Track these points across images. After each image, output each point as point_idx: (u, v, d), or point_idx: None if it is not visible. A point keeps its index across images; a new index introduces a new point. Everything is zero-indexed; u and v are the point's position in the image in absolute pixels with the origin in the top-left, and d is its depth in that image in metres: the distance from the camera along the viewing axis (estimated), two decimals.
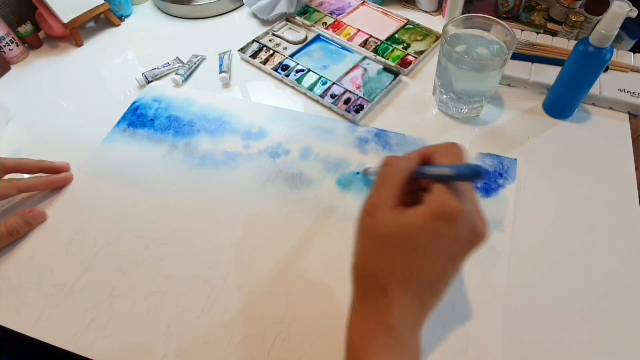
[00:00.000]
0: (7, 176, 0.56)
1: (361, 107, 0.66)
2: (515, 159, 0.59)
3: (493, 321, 0.46)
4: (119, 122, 0.67)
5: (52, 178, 0.58)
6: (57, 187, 0.59)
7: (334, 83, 0.70)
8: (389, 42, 0.77)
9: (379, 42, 0.77)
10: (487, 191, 0.57)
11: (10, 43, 0.75)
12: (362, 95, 0.68)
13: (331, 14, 0.83)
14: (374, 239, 0.33)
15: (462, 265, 0.32)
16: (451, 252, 0.31)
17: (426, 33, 0.79)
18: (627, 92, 0.65)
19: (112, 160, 0.62)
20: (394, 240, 0.31)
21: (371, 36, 0.78)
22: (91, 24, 0.86)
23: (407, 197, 0.35)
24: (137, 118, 0.67)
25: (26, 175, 0.59)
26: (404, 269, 0.31)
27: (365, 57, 0.75)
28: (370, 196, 0.34)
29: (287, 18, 0.82)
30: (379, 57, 0.74)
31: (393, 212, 0.32)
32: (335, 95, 0.68)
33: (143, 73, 0.73)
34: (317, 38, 0.79)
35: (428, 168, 0.35)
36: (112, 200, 0.58)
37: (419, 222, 0.30)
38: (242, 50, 0.76)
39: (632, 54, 0.70)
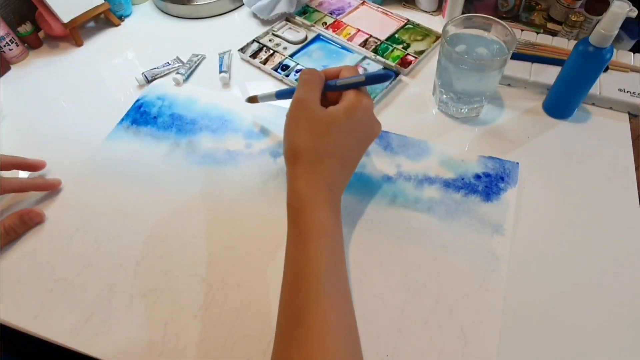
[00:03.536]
0: None
1: None
2: (518, 163, 0.59)
3: (491, 326, 0.46)
4: (122, 120, 0.67)
5: (39, 182, 0.58)
6: (43, 191, 0.58)
7: None
8: (389, 42, 0.77)
9: (379, 42, 0.77)
10: (488, 195, 0.56)
11: (10, 43, 0.75)
12: None
13: (331, 13, 0.83)
14: (313, 123, 0.43)
15: (365, 149, 0.49)
16: (362, 136, 0.46)
17: (426, 33, 0.79)
18: (627, 92, 0.65)
19: (114, 157, 0.62)
20: (327, 125, 0.43)
21: (371, 36, 0.78)
22: (91, 24, 0.86)
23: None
24: (140, 115, 0.68)
25: (6, 174, 0.58)
26: (335, 146, 0.43)
27: (365, 57, 0.75)
28: (298, 94, 0.45)
29: (287, 18, 0.82)
30: (379, 57, 0.74)
31: (318, 106, 0.44)
32: None
33: (143, 73, 0.73)
34: (317, 38, 0.79)
35: (341, 80, 0.47)
36: (114, 197, 0.58)
37: (342, 113, 0.44)
38: (242, 50, 0.77)
39: (632, 54, 0.70)
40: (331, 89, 0.47)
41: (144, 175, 0.60)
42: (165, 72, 0.74)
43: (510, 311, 0.47)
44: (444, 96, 0.64)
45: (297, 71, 0.73)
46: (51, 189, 0.59)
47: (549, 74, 0.67)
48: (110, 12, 0.83)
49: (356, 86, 0.46)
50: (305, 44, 0.78)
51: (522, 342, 0.46)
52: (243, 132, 0.65)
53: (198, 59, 0.76)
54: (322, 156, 0.43)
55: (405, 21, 0.81)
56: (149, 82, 0.73)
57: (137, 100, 0.70)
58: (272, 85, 0.73)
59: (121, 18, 0.86)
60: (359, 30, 0.79)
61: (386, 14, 0.83)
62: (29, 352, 0.59)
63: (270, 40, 0.79)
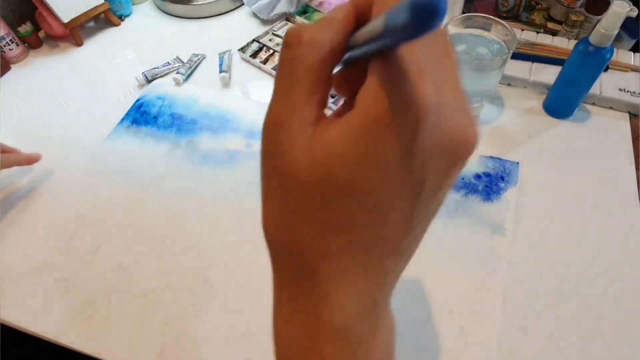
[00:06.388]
0: None
1: None
2: (518, 163, 0.59)
3: (491, 326, 0.46)
4: (122, 119, 0.67)
5: (20, 157, 0.59)
6: (25, 165, 0.60)
7: None
8: None
9: None
10: (489, 195, 0.56)
11: (10, 43, 0.75)
12: None
13: None
14: (285, 188, 0.18)
15: (442, 194, 0.19)
16: (412, 181, 0.17)
17: None
18: (627, 91, 0.65)
19: (114, 157, 0.63)
20: (314, 186, 0.17)
21: None
22: (91, 23, 0.86)
23: (349, 96, 0.21)
24: (140, 115, 0.68)
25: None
26: (338, 230, 0.18)
27: None
28: (270, 110, 0.19)
29: (287, 18, 0.82)
30: None
31: (306, 136, 0.17)
32: (335, 95, 0.68)
33: (143, 72, 0.73)
34: None
35: (356, 35, 0.18)
36: (114, 197, 0.58)
37: (345, 146, 0.16)
38: (242, 49, 0.76)
39: (632, 53, 0.69)
40: (353, 55, 0.19)
41: (144, 175, 0.60)
42: (165, 72, 0.74)
43: (510, 311, 0.47)
44: None
45: None
46: (33, 162, 0.60)
47: (549, 74, 0.67)
48: (110, 12, 0.83)
49: (388, 45, 0.15)
50: None
51: (522, 341, 0.46)
52: (243, 132, 0.65)
53: (198, 59, 0.76)
54: (310, 260, 0.19)
55: None
56: (149, 81, 0.73)
57: (137, 100, 0.70)
58: (272, 85, 0.72)
59: (121, 18, 0.86)
60: None
61: None
62: (29, 352, 0.59)
63: (270, 40, 0.79)
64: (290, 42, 0.18)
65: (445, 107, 0.17)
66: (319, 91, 0.18)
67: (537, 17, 0.81)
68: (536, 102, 0.67)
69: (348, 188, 0.17)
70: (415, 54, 0.16)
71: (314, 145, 0.17)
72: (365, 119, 0.16)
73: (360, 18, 0.19)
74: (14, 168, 0.59)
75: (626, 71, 0.68)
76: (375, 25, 0.15)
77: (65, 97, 0.73)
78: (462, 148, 0.17)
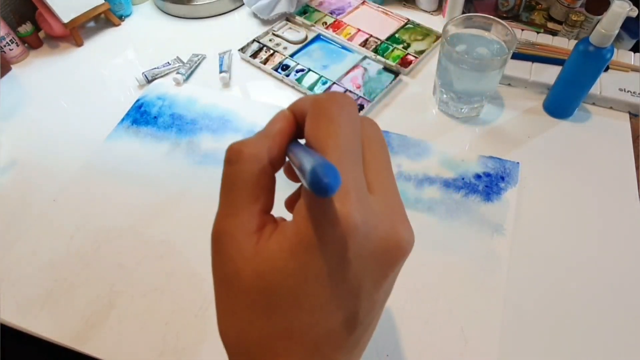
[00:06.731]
0: None
1: (361, 107, 0.66)
2: (518, 163, 0.59)
3: (491, 326, 0.46)
4: (122, 120, 0.67)
5: None
6: None
7: (334, 83, 0.70)
8: (389, 42, 0.77)
9: (379, 42, 0.77)
10: (489, 195, 0.56)
11: (10, 43, 0.75)
12: (362, 95, 0.68)
13: (331, 13, 0.83)
14: (233, 294, 0.20)
15: (383, 291, 0.20)
16: (350, 287, 0.19)
17: (426, 33, 0.79)
18: (627, 91, 0.65)
19: (114, 157, 0.63)
20: (258, 293, 0.19)
21: (371, 36, 0.78)
22: (91, 23, 0.86)
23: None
24: (140, 115, 0.68)
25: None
26: (284, 332, 0.19)
27: (365, 57, 0.75)
28: (216, 221, 0.22)
29: (287, 18, 0.82)
30: (379, 57, 0.74)
31: (251, 246, 0.20)
32: None
33: (143, 72, 0.73)
34: (317, 38, 0.79)
35: (293, 150, 0.21)
36: (114, 197, 0.58)
37: (284, 260, 0.18)
38: (242, 50, 0.76)
39: (633, 53, 0.69)
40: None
41: (144, 175, 0.60)
42: (166, 72, 0.74)
43: (510, 311, 0.47)
44: (445, 96, 0.64)
45: (297, 71, 0.73)
46: None
47: (549, 74, 0.67)
48: (110, 12, 0.83)
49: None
50: (305, 43, 0.78)
51: (522, 342, 0.46)
52: (243, 132, 0.65)
53: (198, 59, 0.76)
54: (265, 357, 0.19)
55: (406, 21, 0.81)
56: (149, 82, 0.73)
57: (138, 100, 0.70)
58: (273, 86, 0.73)
59: (121, 18, 0.86)
60: (359, 30, 0.79)
61: (386, 14, 0.83)
62: (29, 352, 0.59)
63: (270, 40, 0.79)
64: (230, 159, 0.21)
65: (375, 217, 0.18)
66: (260, 200, 0.21)
67: (537, 17, 0.81)
68: (536, 102, 0.67)
69: (290, 297, 0.18)
70: (342, 169, 0.17)
71: (258, 257, 0.19)
72: (298, 237, 0.18)
73: (300, 122, 0.21)
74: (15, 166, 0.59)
75: (626, 71, 0.68)
76: (299, 165, 0.18)
77: (65, 97, 0.73)
78: (395, 252, 0.19)
